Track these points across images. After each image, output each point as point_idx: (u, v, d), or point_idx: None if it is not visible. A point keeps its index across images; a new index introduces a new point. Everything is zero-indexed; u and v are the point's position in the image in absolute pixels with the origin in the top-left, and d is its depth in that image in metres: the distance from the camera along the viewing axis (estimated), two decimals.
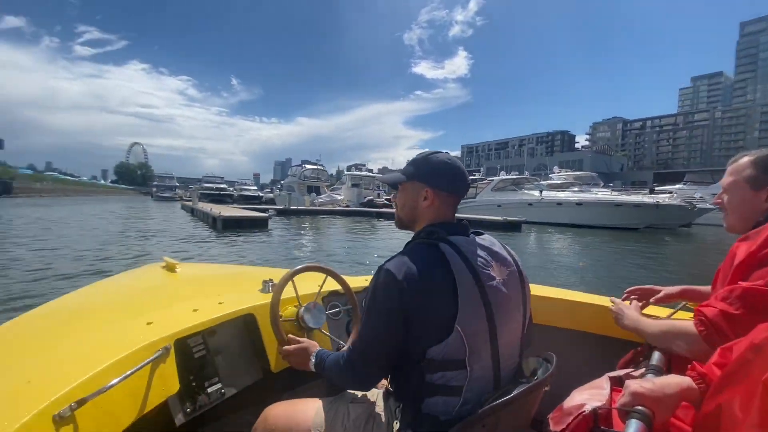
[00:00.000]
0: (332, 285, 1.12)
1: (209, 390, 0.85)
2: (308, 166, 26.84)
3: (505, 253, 0.71)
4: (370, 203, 21.88)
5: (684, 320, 0.74)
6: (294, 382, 0.98)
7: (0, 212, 15.51)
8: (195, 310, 0.91)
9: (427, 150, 0.80)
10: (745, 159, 0.78)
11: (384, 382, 0.82)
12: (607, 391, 0.66)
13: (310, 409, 0.79)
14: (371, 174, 29.19)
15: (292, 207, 18.45)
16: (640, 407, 0.51)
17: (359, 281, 1.27)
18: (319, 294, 1.06)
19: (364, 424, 0.75)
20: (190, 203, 18.81)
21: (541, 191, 16.54)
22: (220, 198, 30.50)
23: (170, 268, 1.51)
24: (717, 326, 0.64)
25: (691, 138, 76.96)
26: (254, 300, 1.03)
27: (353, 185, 25.65)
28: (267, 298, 0.99)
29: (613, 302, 0.95)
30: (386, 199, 21.63)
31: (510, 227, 12.73)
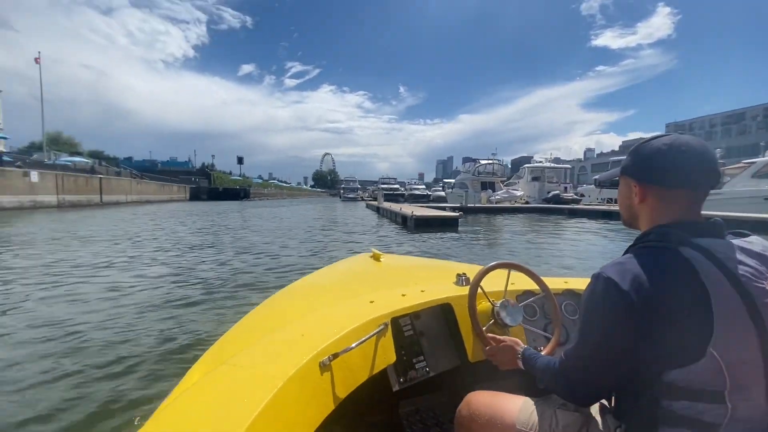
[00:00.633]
0: (523, 284, 1.16)
1: (417, 366, 0.97)
2: (483, 161, 26.32)
3: None
4: (556, 198, 19.81)
5: None
6: (490, 372, 0.95)
7: (247, 209, 22.27)
8: (403, 295, 1.03)
9: (648, 136, 0.70)
10: None
11: None
12: None
13: (514, 404, 0.79)
14: (556, 165, 26.27)
15: (468, 205, 18.52)
16: None
17: (557, 282, 1.24)
18: (506, 291, 1.07)
19: None
20: (375, 203, 21.35)
21: None
22: (394, 197, 33.70)
23: (376, 258, 1.81)
24: None
25: None
26: (451, 291, 1.11)
27: (533, 179, 23.80)
28: (462, 291, 1.08)
29: None
30: (577, 194, 19.12)
31: None
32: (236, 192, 51.03)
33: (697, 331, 0.53)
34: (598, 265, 0.64)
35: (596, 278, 0.61)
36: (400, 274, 1.69)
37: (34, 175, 19.03)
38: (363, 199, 39.57)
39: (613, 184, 0.76)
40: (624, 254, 0.63)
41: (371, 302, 0.96)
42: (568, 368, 0.68)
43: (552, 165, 25.99)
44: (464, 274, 1.20)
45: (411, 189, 41.46)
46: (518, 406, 0.78)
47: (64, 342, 2.50)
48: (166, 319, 2.97)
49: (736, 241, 0.59)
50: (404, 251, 7.69)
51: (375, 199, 24.81)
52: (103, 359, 2.24)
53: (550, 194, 20.74)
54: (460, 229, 11.39)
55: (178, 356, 2.30)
